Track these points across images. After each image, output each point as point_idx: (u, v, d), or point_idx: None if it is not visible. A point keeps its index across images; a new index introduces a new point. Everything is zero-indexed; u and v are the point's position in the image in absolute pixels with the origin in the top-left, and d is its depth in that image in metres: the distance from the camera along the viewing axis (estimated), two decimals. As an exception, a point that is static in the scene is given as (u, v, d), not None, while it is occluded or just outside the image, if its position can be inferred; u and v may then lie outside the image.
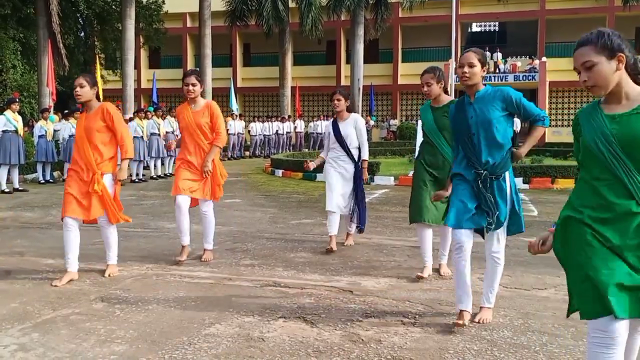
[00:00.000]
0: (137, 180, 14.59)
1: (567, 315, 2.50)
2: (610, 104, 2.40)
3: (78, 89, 5.22)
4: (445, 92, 5.14)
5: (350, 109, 6.57)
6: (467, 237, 3.89)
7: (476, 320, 4.01)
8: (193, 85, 5.71)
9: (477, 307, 4.12)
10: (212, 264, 5.83)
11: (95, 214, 5.24)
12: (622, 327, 2.29)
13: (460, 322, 3.89)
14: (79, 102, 5.33)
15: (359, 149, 6.48)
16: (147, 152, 15.12)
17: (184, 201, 5.78)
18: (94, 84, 5.30)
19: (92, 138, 5.21)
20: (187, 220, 5.85)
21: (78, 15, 27.90)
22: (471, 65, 3.85)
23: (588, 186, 2.40)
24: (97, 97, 5.39)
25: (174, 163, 17.19)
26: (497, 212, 3.85)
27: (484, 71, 3.90)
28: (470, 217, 3.87)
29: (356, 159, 6.44)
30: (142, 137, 14.86)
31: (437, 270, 5.39)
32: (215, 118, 5.78)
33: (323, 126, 25.98)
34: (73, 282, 5.14)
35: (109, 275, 5.36)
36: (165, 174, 15.97)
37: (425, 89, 5.01)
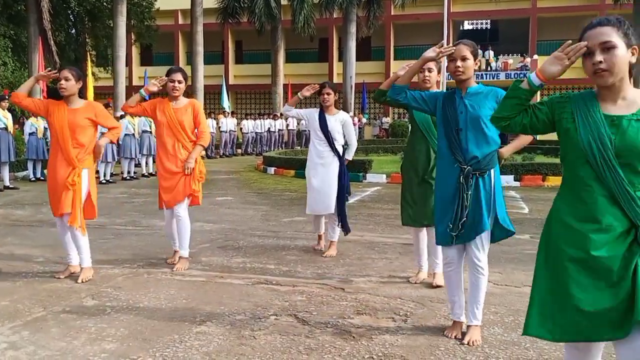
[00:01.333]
0: (128, 177, 14.55)
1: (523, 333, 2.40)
2: (606, 101, 2.23)
3: (63, 82, 5.12)
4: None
5: (344, 107, 6.44)
6: (457, 252, 3.76)
7: (465, 342, 3.66)
8: (179, 82, 5.53)
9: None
10: (203, 261, 5.82)
11: (64, 209, 5.07)
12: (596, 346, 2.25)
13: (454, 333, 3.80)
14: (62, 95, 5.19)
15: (343, 147, 6.21)
16: (138, 149, 15.06)
17: (171, 213, 5.64)
18: (79, 77, 5.22)
19: (75, 133, 5.11)
20: (173, 225, 5.70)
21: (69, 12, 27.73)
22: (464, 59, 3.66)
23: (574, 191, 2.26)
24: (80, 93, 5.30)
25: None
26: (469, 219, 3.62)
27: (476, 64, 3.75)
28: (459, 234, 3.67)
29: (341, 154, 6.14)
30: (133, 134, 14.81)
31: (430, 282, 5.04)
32: (199, 117, 5.60)
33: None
34: (63, 280, 5.13)
35: (82, 281, 5.07)
36: (157, 172, 15.88)
37: (427, 74, 4.66)
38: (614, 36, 2.15)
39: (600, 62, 2.14)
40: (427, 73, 4.67)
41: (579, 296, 2.18)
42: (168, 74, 5.59)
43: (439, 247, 4.46)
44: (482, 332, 3.78)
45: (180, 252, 5.64)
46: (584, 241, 2.19)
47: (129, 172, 14.69)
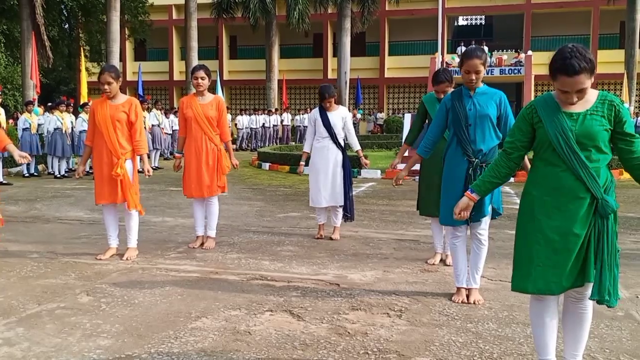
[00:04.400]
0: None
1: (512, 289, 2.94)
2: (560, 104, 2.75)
3: (106, 86, 5.54)
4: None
5: (338, 103, 6.69)
6: (462, 229, 4.37)
7: (471, 301, 4.32)
8: (202, 78, 5.98)
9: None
10: (198, 257, 5.82)
11: (116, 199, 5.60)
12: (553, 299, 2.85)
13: (459, 299, 4.37)
14: (108, 98, 5.63)
15: (344, 140, 6.67)
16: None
17: (198, 200, 6.23)
18: (118, 77, 5.66)
19: (117, 126, 5.56)
20: (202, 213, 6.28)
21: (62, 6, 27.58)
22: (477, 72, 4.17)
23: (546, 173, 2.77)
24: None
25: (159, 156, 17.17)
26: (477, 203, 4.07)
27: (484, 70, 4.23)
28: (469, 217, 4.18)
29: (343, 146, 6.59)
30: None
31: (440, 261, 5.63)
32: (222, 114, 6.12)
33: (310, 119, 25.89)
34: (59, 276, 5.11)
35: (127, 259, 5.64)
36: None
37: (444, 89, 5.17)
38: (586, 81, 2.61)
39: (576, 100, 2.67)
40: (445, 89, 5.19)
41: (547, 255, 2.73)
42: (192, 72, 6.10)
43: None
44: (477, 328, 3.84)
45: (208, 232, 6.26)
46: (554, 210, 2.72)
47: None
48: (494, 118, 4.24)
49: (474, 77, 4.18)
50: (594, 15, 31.48)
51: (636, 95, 28.79)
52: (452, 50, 33.45)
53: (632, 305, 4.33)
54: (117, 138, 5.55)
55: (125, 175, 5.56)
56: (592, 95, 2.75)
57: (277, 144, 25.42)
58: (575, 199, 2.68)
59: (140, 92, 24.57)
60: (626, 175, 13.60)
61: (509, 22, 34.79)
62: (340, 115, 6.59)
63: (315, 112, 6.66)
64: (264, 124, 26.58)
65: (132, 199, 5.61)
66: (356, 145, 6.74)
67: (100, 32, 27.65)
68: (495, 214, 4.40)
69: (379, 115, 33.66)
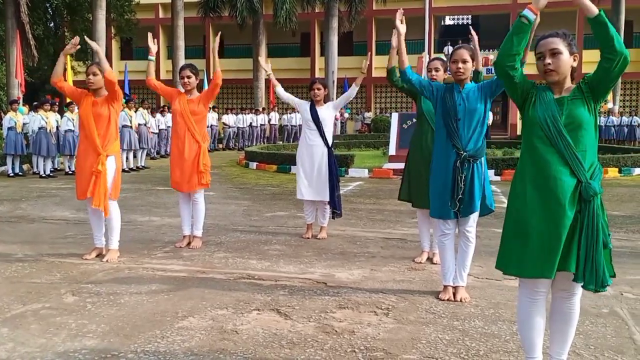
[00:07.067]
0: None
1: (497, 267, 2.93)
2: (554, 92, 2.87)
3: (91, 76, 5.53)
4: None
5: (325, 102, 6.72)
6: (451, 225, 4.39)
7: (457, 299, 4.36)
8: (188, 77, 6.02)
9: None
10: (185, 257, 5.80)
11: (87, 193, 5.46)
12: (545, 283, 2.84)
13: (446, 296, 4.40)
14: (90, 90, 5.59)
15: (332, 138, 6.73)
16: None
17: (183, 195, 6.25)
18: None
19: (99, 123, 5.49)
20: (189, 212, 6.26)
21: (47, 5, 27.40)
22: (464, 61, 4.26)
23: (534, 155, 2.82)
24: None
25: (146, 156, 17.08)
26: (466, 197, 4.23)
27: (473, 66, 4.33)
28: (457, 210, 4.28)
29: (330, 144, 6.60)
30: (130, 127, 14.79)
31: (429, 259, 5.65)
32: (204, 90, 6.20)
33: (297, 118, 25.91)
34: (44, 276, 5.07)
35: (107, 261, 5.52)
36: (137, 167, 15.78)
37: (434, 73, 5.23)
38: (560, 44, 2.80)
39: (549, 64, 2.79)
40: (434, 72, 5.23)
41: (535, 239, 2.75)
42: (179, 71, 6.15)
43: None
44: (463, 326, 3.87)
45: (194, 232, 6.24)
46: (543, 194, 2.76)
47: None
48: (483, 113, 4.31)
49: (461, 66, 4.25)
50: (579, 16, 31.68)
51: (621, 95, 29.07)
52: (439, 49, 33.55)
53: (617, 302, 4.38)
54: (98, 133, 5.49)
55: (104, 173, 5.45)
56: (571, 86, 2.87)
57: (264, 143, 25.35)
58: (563, 184, 2.72)
59: (127, 91, 24.39)
60: (610, 174, 13.76)
61: (496, 22, 34.89)
62: (327, 110, 6.63)
63: (307, 103, 6.69)
64: (251, 123, 26.49)
65: (99, 197, 5.44)
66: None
67: (86, 31, 27.32)
68: (486, 210, 4.43)
69: (367, 114, 33.70)
